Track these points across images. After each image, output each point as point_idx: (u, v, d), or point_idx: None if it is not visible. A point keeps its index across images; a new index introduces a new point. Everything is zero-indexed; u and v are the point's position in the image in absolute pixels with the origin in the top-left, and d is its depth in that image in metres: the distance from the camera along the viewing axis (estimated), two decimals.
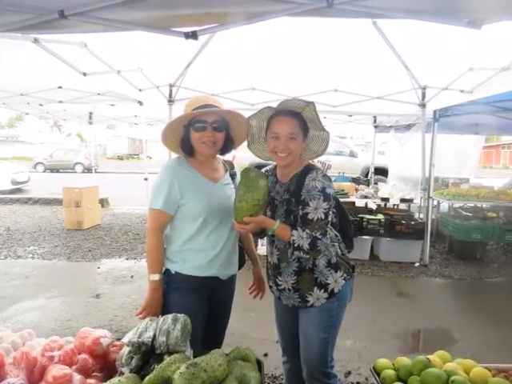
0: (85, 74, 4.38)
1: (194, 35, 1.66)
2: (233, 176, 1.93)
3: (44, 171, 21.21)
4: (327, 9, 1.48)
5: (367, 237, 5.52)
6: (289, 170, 1.78)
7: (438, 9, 1.36)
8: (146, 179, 6.13)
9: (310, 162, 1.83)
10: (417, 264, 5.35)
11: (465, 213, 6.47)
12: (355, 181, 7.72)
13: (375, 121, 8.23)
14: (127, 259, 5.32)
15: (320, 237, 1.61)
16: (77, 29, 1.83)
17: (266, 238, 1.91)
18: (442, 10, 1.35)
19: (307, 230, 1.61)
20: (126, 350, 1.43)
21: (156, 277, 1.74)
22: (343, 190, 6.06)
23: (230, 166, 1.98)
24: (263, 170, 1.92)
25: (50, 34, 2.09)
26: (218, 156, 1.91)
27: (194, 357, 1.37)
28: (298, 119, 1.68)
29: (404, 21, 2.69)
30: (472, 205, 6.51)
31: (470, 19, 1.35)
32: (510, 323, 3.58)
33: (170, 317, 1.50)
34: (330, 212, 1.65)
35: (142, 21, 1.74)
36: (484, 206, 6.50)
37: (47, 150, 23.42)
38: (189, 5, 1.60)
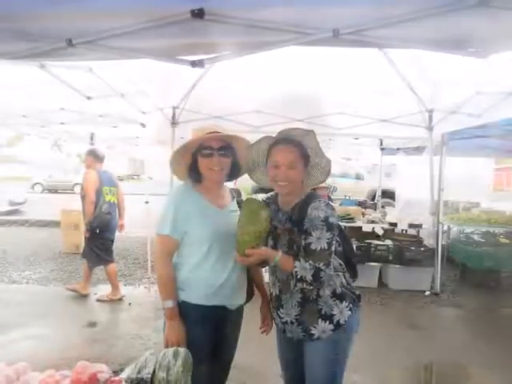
0: (89, 98, 4.42)
1: (200, 64, 1.68)
2: (240, 203, 1.92)
3: (42, 192, 21.03)
4: (333, 38, 1.50)
5: (375, 263, 5.29)
6: (290, 197, 1.76)
7: (443, 39, 1.37)
8: (146, 202, 5.90)
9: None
10: (427, 292, 5.11)
11: (477, 238, 6.20)
12: (362, 204, 7.57)
13: (381, 143, 8.11)
14: (125, 285, 5.17)
15: (323, 268, 1.58)
16: (84, 56, 1.85)
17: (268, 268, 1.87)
18: (447, 41, 1.37)
19: (310, 261, 1.58)
20: None
21: (170, 303, 1.70)
22: (349, 215, 5.82)
23: (236, 193, 1.98)
24: (265, 196, 1.91)
25: (57, 61, 2.12)
26: (225, 184, 1.92)
27: None
28: (297, 147, 1.69)
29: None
30: (484, 230, 6.25)
31: (476, 49, 1.37)
32: None
33: (170, 351, 1.45)
34: (334, 242, 1.63)
35: (148, 49, 1.77)
36: (496, 231, 6.24)
37: (46, 169, 23.23)
38: (195, 34, 1.62)
